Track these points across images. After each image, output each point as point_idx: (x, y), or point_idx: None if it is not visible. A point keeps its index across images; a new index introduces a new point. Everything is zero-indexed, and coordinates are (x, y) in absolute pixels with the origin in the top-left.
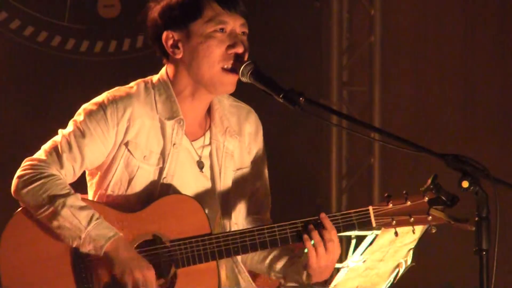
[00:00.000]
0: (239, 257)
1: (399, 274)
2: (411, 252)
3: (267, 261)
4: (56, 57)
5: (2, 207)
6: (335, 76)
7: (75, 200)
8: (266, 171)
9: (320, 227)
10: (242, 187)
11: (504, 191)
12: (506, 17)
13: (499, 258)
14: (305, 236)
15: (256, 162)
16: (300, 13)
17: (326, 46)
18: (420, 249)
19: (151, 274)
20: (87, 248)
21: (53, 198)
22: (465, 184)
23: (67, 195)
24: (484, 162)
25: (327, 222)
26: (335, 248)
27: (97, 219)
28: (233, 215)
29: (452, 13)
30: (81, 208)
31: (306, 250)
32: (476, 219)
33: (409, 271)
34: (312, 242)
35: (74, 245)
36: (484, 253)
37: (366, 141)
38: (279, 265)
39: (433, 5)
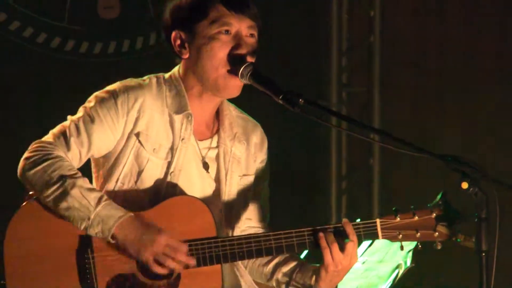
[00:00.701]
0: (240, 262)
1: (399, 275)
2: (411, 253)
3: (272, 264)
4: (55, 58)
5: (5, 206)
6: (334, 77)
7: (84, 181)
8: (267, 183)
9: (334, 230)
10: (244, 193)
11: (503, 192)
12: (507, 16)
13: (499, 259)
14: (322, 240)
15: (260, 171)
16: (299, 14)
17: (325, 47)
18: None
19: (163, 239)
20: (95, 230)
21: (62, 178)
22: (464, 185)
23: (76, 176)
24: (484, 164)
25: (349, 228)
26: (353, 250)
27: (106, 200)
28: (234, 219)
29: (452, 13)
30: (90, 189)
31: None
32: (476, 220)
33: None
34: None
35: (82, 227)
36: (483, 254)
37: (366, 142)
38: (285, 268)
39: (433, 5)
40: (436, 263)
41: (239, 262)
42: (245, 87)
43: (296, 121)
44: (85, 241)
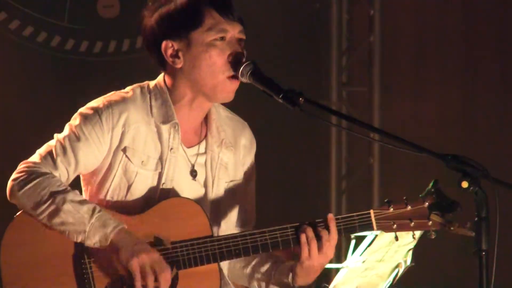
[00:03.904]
0: (225, 270)
1: (399, 275)
2: (411, 252)
3: (250, 266)
4: (55, 57)
5: (5, 211)
6: (334, 76)
7: (75, 195)
8: (254, 185)
9: (319, 227)
10: (233, 198)
11: (504, 191)
12: (506, 16)
13: (499, 259)
14: (302, 236)
15: (247, 175)
16: (299, 14)
17: (325, 46)
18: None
19: (156, 255)
20: (92, 241)
21: (53, 195)
22: (464, 184)
23: (66, 191)
24: (484, 163)
25: (332, 225)
26: (330, 250)
27: (99, 211)
28: (222, 225)
29: (452, 12)
30: (82, 202)
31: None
32: (476, 219)
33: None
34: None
35: (79, 240)
36: (483, 253)
37: (366, 142)
38: (263, 269)
39: (432, 5)
40: (434, 263)
41: (225, 272)
42: (245, 87)
43: (296, 120)
44: (81, 246)
